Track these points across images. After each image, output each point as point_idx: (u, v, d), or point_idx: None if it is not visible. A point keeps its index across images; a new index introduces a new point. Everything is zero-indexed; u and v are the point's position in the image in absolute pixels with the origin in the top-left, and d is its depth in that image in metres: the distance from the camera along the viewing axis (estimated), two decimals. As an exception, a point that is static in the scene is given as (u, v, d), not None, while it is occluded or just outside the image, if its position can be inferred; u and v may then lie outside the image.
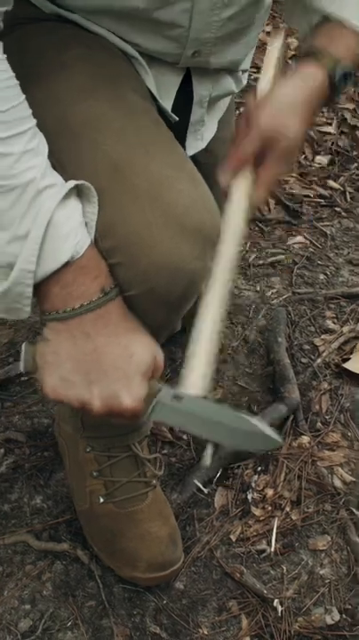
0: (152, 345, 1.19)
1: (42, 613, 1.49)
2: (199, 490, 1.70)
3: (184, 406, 1.18)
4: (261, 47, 2.43)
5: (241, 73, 1.60)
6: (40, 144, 1.08)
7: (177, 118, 1.43)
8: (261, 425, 1.22)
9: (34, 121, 1.08)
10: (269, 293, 2.26)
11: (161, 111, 1.39)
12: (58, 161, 1.13)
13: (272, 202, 2.64)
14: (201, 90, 1.49)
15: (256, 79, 1.42)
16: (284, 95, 1.29)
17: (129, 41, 1.35)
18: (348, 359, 2.02)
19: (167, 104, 1.43)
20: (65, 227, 1.07)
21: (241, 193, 1.28)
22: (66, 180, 1.11)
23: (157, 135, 1.24)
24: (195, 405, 1.18)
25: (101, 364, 1.13)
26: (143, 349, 1.16)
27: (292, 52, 3.08)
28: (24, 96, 1.07)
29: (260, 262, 2.38)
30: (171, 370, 1.95)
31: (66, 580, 1.54)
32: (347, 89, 1.39)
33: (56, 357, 1.15)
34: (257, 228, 2.54)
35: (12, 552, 1.58)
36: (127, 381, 1.14)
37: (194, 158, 1.47)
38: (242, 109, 1.36)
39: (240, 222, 1.26)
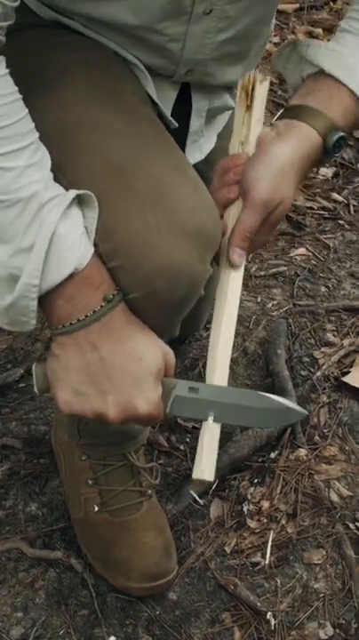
0: (159, 345, 1.20)
1: (34, 621, 1.48)
2: (195, 500, 1.69)
3: (202, 396, 1.21)
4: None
5: None
6: (43, 158, 1.09)
7: (176, 124, 1.43)
8: (282, 399, 1.25)
9: (36, 135, 1.09)
10: (270, 305, 2.26)
11: (161, 117, 1.39)
12: (58, 165, 1.13)
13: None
14: (199, 100, 1.49)
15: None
16: (282, 159, 1.26)
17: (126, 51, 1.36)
18: (348, 372, 2.02)
19: (166, 111, 1.43)
20: (68, 239, 1.07)
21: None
22: (66, 184, 1.12)
23: (158, 139, 1.24)
24: (212, 393, 1.21)
25: (111, 373, 1.14)
26: (151, 351, 1.17)
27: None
28: (26, 110, 1.07)
29: (262, 273, 2.38)
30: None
31: (59, 589, 1.53)
32: (338, 154, 1.36)
33: (66, 372, 1.16)
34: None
35: (6, 559, 1.58)
36: (139, 386, 1.15)
37: (195, 167, 1.47)
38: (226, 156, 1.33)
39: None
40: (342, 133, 1.29)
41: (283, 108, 1.36)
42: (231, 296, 1.28)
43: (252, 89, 1.31)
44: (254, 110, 1.32)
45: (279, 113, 1.35)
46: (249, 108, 1.32)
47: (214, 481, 1.72)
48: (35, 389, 1.23)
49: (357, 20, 1.34)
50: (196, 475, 1.20)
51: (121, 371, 1.14)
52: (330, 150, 1.30)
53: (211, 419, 1.21)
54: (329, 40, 1.38)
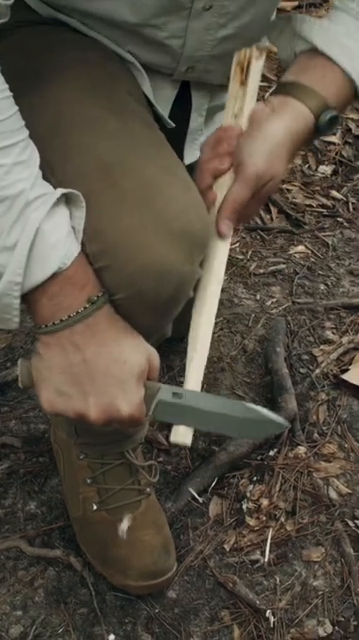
0: (144, 347, 1.20)
1: (33, 620, 1.48)
2: (194, 498, 1.70)
3: (185, 402, 1.21)
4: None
5: None
6: (31, 156, 1.09)
7: (173, 124, 1.43)
8: (265, 411, 1.25)
9: (26, 132, 1.09)
10: (269, 303, 2.26)
11: (157, 117, 1.39)
12: (48, 164, 1.13)
13: (274, 211, 2.64)
14: (199, 98, 1.49)
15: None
16: (276, 135, 1.26)
17: (125, 49, 1.36)
18: (347, 370, 2.02)
19: (164, 111, 1.43)
20: (52, 237, 1.07)
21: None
22: (55, 183, 1.12)
23: (150, 139, 1.24)
24: (195, 400, 1.21)
25: (94, 374, 1.14)
26: (135, 353, 1.17)
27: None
28: (16, 108, 1.07)
29: (261, 271, 2.38)
30: (169, 377, 1.95)
31: (58, 587, 1.53)
32: (329, 133, 1.36)
33: (49, 372, 1.16)
34: (258, 237, 2.54)
35: (5, 557, 1.58)
36: (122, 388, 1.15)
37: (192, 166, 1.47)
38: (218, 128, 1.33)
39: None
40: (335, 112, 1.29)
41: (276, 83, 1.36)
42: (217, 267, 1.29)
43: (248, 65, 1.31)
44: (249, 86, 1.32)
45: (273, 88, 1.35)
46: (243, 82, 1.32)
47: (213, 479, 1.73)
48: (20, 384, 1.24)
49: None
50: (174, 438, 1.22)
51: (104, 372, 1.14)
52: (322, 129, 1.30)
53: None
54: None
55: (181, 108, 1.48)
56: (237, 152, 1.27)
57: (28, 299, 1.12)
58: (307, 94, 1.28)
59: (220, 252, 1.29)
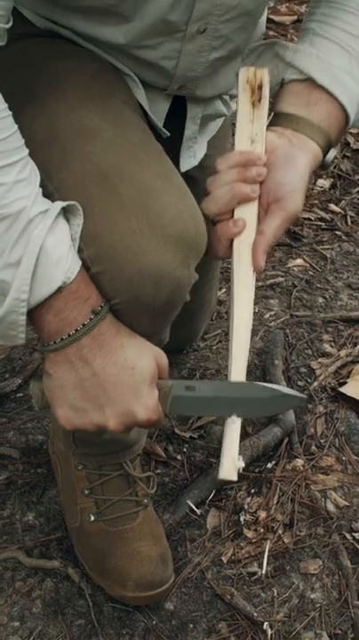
0: (150, 349, 1.21)
1: (31, 631, 1.48)
2: (192, 510, 1.70)
3: (199, 394, 1.23)
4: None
5: (229, 98, 1.61)
6: (31, 173, 1.10)
7: (168, 133, 1.44)
8: (278, 387, 1.29)
9: (26, 151, 1.10)
10: (267, 315, 2.27)
11: (152, 126, 1.40)
12: (45, 171, 1.14)
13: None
14: (193, 107, 1.50)
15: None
16: (303, 172, 1.28)
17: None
18: (345, 383, 2.02)
19: (159, 121, 1.44)
20: (55, 253, 1.08)
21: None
22: (52, 190, 1.13)
23: (146, 147, 1.25)
24: (208, 390, 1.24)
25: (106, 386, 1.16)
26: (142, 358, 1.18)
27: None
28: (16, 127, 1.09)
29: (259, 284, 2.38)
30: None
31: (56, 598, 1.53)
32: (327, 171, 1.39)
33: (62, 390, 1.18)
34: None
35: (3, 568, 1.58)
36: (136, 394, 1.17)
37: (187, 174, 1.48)
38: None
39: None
40: (336, 150, 1.33)
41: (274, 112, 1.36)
42: (247, 296, 1.29)
43: (259, 87, 1.31)
44: (263, 109, 1.32)
45: (273, 116, 1.35)
46: (256, 105, 1.32)
47: (211, 491, 1.73)
48: (36, 407, 1.26)
49: (333, 26, 1.35)
50: (222, 475, 1.21)
51: (115, 382, 1.16)
52: (327, 166, 1.33)
53: (230, 419, 1.24)
54: None
55: (176, 116, 1.49)
56: (275, 186, 1.27)
57: (34, 316, 1.13)
58: (317, 132, 1.30)
59: (252, 282, 1.29)
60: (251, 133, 1.31)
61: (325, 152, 1.31)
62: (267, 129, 1.32)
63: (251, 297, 1.29)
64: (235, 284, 1.28)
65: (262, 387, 1.28)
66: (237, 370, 1.25)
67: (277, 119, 1.34)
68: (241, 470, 1.22)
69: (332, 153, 1.32)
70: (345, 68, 1.32)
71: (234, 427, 1.23)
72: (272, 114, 1.35)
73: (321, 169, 1.34)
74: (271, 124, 1.34)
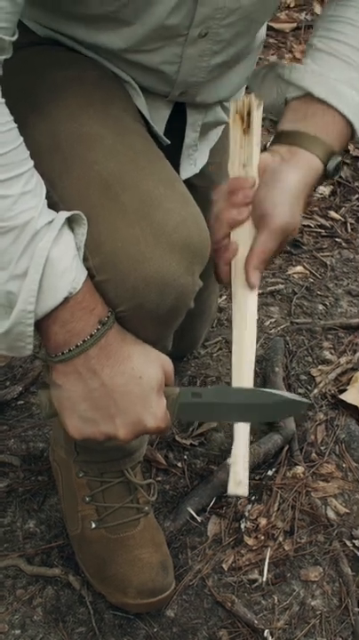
0: (156, 357, 1.22)
1: (32, 639, 1.48)
2: (192, 518, 1.70)
3: (205, 400, 1.24)
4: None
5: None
6: (37, 185, 1.10)
7: (168, 141, 1.45)
8: (284, 393, 1.31)
9: (31, 163, 1.10)
10: (268, 323, 2.27)
11: (152, 134, 1.40)
12: (49, 180, 1.14)
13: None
14: (194, 115, 1.51)
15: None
16: (293, 185, 1.28)
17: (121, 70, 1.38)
18: (345, 390, 2.02)
19: (159, 128, 1.45)
20: (61, 263, 1.09)
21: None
22: (56, 199, 1.14)
23: (147, 154, 1.26)
24: (214, 396, 1.25)
25: (115, 396, 1.16)
26: (149, 366, 1.19)
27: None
28: (21, 139, 1.09)
29: (259, 291, 2.37)
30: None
31: (57, 606, 1.53)
32: (334, 178, 1.39)
33: (71, 401, 1.18)
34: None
35: (4, 576, 1.58)
36: (144, 403, 1.18)
37: (188, 181, 1.49)
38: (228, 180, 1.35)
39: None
40: (340, 158, 1.33)
41: (275, 132, 1.37)
42: (250, 317, 1.31)
43: (248, 113, 1.33)
44: (254, 134, 1.33)
45: (274, 137, 1.37)
46: (246, 131, 1.33)
47: (211, 498, 1.73)
48: (43, 416, 1.27)
49: (334, 40, 1.36)
50: (231, 490, 1.23)
51: (124, 392, 1.16)
52: (330, 175, 1.33)
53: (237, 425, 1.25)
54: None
55: (176, 123, 1.49)
56: (258, 204, 1.29)
57: (41, 327, 1.13)
58: (314, 143, 1.30)
59: (251, 302, 1.31)
60: (243, 159, 1.33)
61: (325, 161, 1.31)
62: (266, 150, 1.33)
63: (250, 315, 1.31)
64: (233, 304, 1.30)
65: (267, 393, 1.30)
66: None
67: (276, 138, 1.35)
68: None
69: (334, 162, 1.32)
70: (343, 78, 1.32)
71: (243, 436, 1.25)
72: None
73: (325, 178, 1.34)
74: (272, 144, 1.35)
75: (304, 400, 1.34)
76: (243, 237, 1.31)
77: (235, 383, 1.28)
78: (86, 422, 1.19)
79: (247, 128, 1.33)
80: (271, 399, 1.28)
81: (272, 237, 1.28)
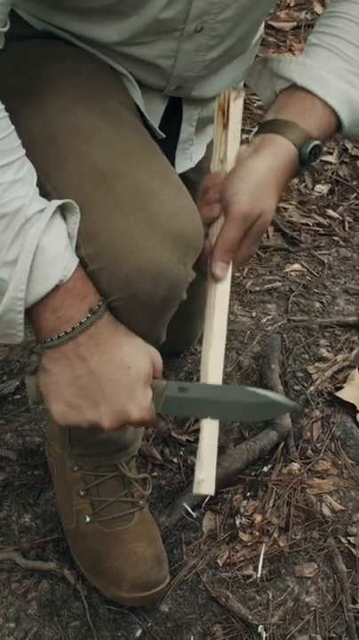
0: (146, 349, 1.22)
1: (26, 632, 1.48)
2: (188, 513, 1.70)
3: (192, 395, 1.24)
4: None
5: None
6: (28, 173, 1.11)
7: (164, 135, 1.45)
8: (271, 394, 1.29)
9: (22, 151, 1.11)
10: (264, 320, 2.27)
11: (148, 127, 1.40)
12: (43, 171, 1.15)
13: (271, 229, 2.65)
14: (189, 110, 1.51)
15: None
16: (258, 172, 1.26)
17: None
18: (341, 388, 2.03)
19: (154, 122, 1.45)
20: (52, 251, 1.09)
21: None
22: (50, 189, 1.14)
23: (143, 145, 1.26)
24: (201, 392, 1.24)
25: (102, 384, 1.16)
26: (138, 357, 1.19)
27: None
28: (13, 127, 1.10)
29: (257, 289, 2.39)
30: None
31: (51, 600, 1.54)
32: (315, 163, 1.37)
33: (57, 386, 1.18)
34: (254, 255, 2.55)
35: (-1, 569, 1.58)
36: (130, 393, 1.18)
37: (184, 176, 1.49)
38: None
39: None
40: (317, 142, 1.30)
41: (258, 124, 1.37)
42: (219, 310, 1.28)
43: (228, 107, 1.32)
44: (230, 128, 1.32)
45: (255, 130, 1.36)
46: (225, 126, 1.33)
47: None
48: (30, 401, 1.26)
49: (326, 33, 1.36)
50: (196, 489, 1.21)
51: (111, 381, 1.16)
52: (306, 160, 1.30)
53: (206, 420, 1.23)
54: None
55: (172, 117, 1.50)
56: (222, 195, 1.27)
57: (31, 314, 1.14)
58: (288, 128, 1.29)
59: (220, 295, 1.28)
60: (221, 154, 1.33)
61: (300, 145, 1.28)
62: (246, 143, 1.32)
63: (219, 307, 1.28)
64: (207, 297, 1.29)
65: (254, 392, 1.28)
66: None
67: (257, 131, 1.34)
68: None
69: (308, 146, 1.28)
70: (329, 68, 1.31)
71: (208, 434, 1.23)
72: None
73: (302, 165, 1.31)
74: (252, 137, 1.34)
75: (290, 402, 1.34)
76: (216, 233, 1.29)
77: (202, 376, 1.27)
78: (71, 408, 1.19)
79: (226, 122, 1.32)
80: (257, 399, 1.27)
81: (233, 226, 1.26)
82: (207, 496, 1.22)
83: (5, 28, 1.12)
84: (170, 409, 1.25)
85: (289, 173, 1.31)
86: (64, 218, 1.14)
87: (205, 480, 1.21)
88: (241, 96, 1.33)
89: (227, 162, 1.31)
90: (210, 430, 1.23)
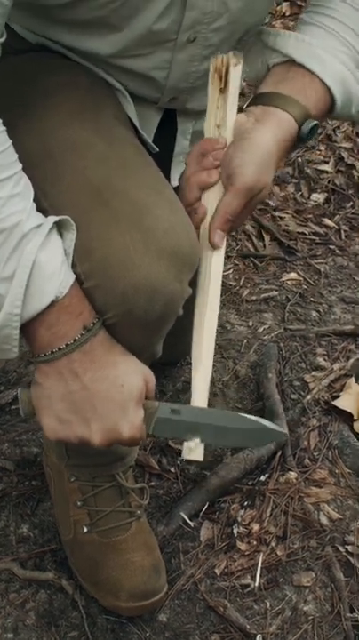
0: (139, 368, 1.22)
1: (24, 642, 1.49)
2: (185, 523, 1.70)
3: (183, 418, 1.24)
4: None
5: None
6: (26, 188, 1.11)
7: (157, 149, 1.46)
8: (263, 421, 1.29)
9: (19, 166, 1.12)
10: (261, 329, 2.27)
11: (142, 141, 1.41)
12: (40, 187, 1.15)
13: (267, 238, 2.66)
14: (184, 122, 1.51)
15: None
16: (263, 145, 1.28)
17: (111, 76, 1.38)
18: (338, 396, 2.03)
19: (148, 135, 1.45)
20: (48, 267, 1.10)
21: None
22: (47, 206, 1.14)
23: (138, 161, 1.26)
24: (193, 415, 1.25)
25: (94, 401, 1.17)
26: (132, 377, 1.20)
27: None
28: (10, 142, 1.11)
29: (253, 298, 2.39)
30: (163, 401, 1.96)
31: (49, 610, 1.54)
32: (310, 142, 1.37)
33: (49, 400, 1.19)
34: (251, 264, 2.55)
35: (-3, 580, 1.58)
36: (122, 412, 1.18)
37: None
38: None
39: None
40: (316, 122, 1.31)
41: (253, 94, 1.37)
42: (214, 279, 1.30)
43: (226, 72, 1.32)
44: (229, 94, 1.32)
45: (250, 99, 1.36)
46: (223, 90, 1.32)
47: (204, 503, 1.73)
48: (22, 414, 1.26)
49: (321, 14, 1.37)
50: (186, 454, 1.24)
51: (103, 398, 1.17)
52: (304, 137, 1.31)
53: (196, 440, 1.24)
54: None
55: (167, 130, 1.50)
56: (226, 164, 1.28)
57: (26, 329, 1.14)
58: (290, 103, 1.30)
59: (215, 264, 1.30)
60: (218, 119, 1.33)
61: (300, 122, 1.30)
62: (243, 111, 1.32)
63: (214, 277, 1.30)
64: (200, 267, 1.29)
65: (246, 418, 1.29)
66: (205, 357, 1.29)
67: (253, 100, 1.35)
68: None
69: (309, 124, 1.30)
70: (326, 46, 1.33)
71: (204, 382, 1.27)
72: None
73: (300, 142, 1.33)
74: (248, 106, 1.34)
75: (282, 430, 1.34)
76: (213, 200, 1.30)
77: (194, 351, 1.27)
78: (62, 423, 1.19)
79: (224, 87, 1.32)
80: (249, 425, 1.28)
81: (236, 197, 1.27)
82: (197, 461, 1.23)
83: (2, 39, 1.12)
84: (161, 430, 1.25)
85: (289, 148, 1.33)
86: (60, 234, 1.14)
87: (197, 446, 1.23)
88: (240, 62, 1.33)
89: (226, 128, 1.31)
90: (202, 383, 1.27)
